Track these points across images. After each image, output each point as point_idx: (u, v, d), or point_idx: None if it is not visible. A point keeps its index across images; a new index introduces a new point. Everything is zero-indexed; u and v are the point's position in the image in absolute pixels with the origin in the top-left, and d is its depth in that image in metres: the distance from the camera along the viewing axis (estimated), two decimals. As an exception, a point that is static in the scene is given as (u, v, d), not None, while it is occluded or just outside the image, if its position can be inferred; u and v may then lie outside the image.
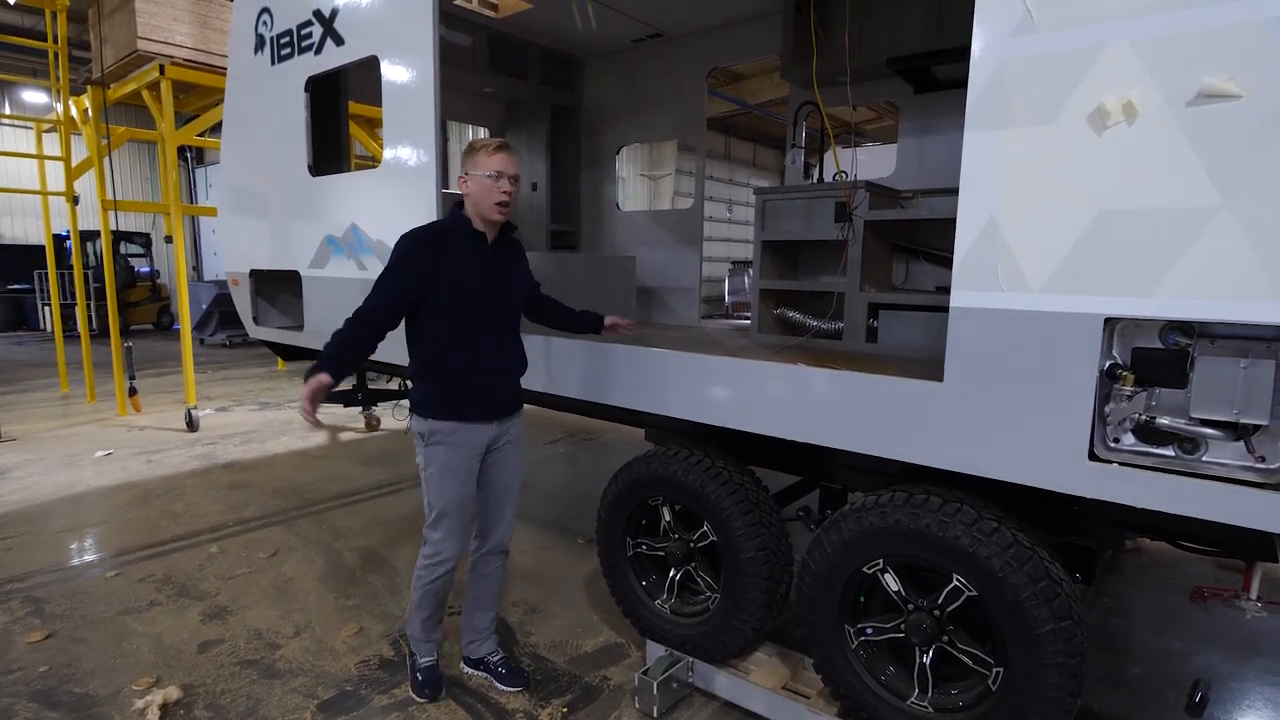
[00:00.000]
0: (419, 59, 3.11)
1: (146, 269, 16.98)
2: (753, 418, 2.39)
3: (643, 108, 4.85)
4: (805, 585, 2.33)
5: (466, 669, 2.80)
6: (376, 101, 3.45)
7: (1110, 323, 1.68)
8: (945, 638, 2.12)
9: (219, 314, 12.86)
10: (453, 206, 2.47)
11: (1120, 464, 1.70)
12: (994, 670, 2.03)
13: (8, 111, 16.87)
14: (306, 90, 3.83)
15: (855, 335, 2.92)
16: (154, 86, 6.55)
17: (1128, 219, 1.62)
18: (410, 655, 2.71)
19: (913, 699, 2.19)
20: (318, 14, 3.64)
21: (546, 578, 3.70)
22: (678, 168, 19.75)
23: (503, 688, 2.70)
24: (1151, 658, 3.00)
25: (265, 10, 4.02)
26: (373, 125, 7.81)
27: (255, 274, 4.52)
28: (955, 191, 1.86)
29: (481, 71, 4.56)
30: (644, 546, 2.86)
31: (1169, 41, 1.55)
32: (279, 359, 10.25)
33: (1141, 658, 3.00)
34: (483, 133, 5.41)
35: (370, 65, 3.39)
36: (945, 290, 1.95)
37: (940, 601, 2.09)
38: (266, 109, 4.17)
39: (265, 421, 7.29)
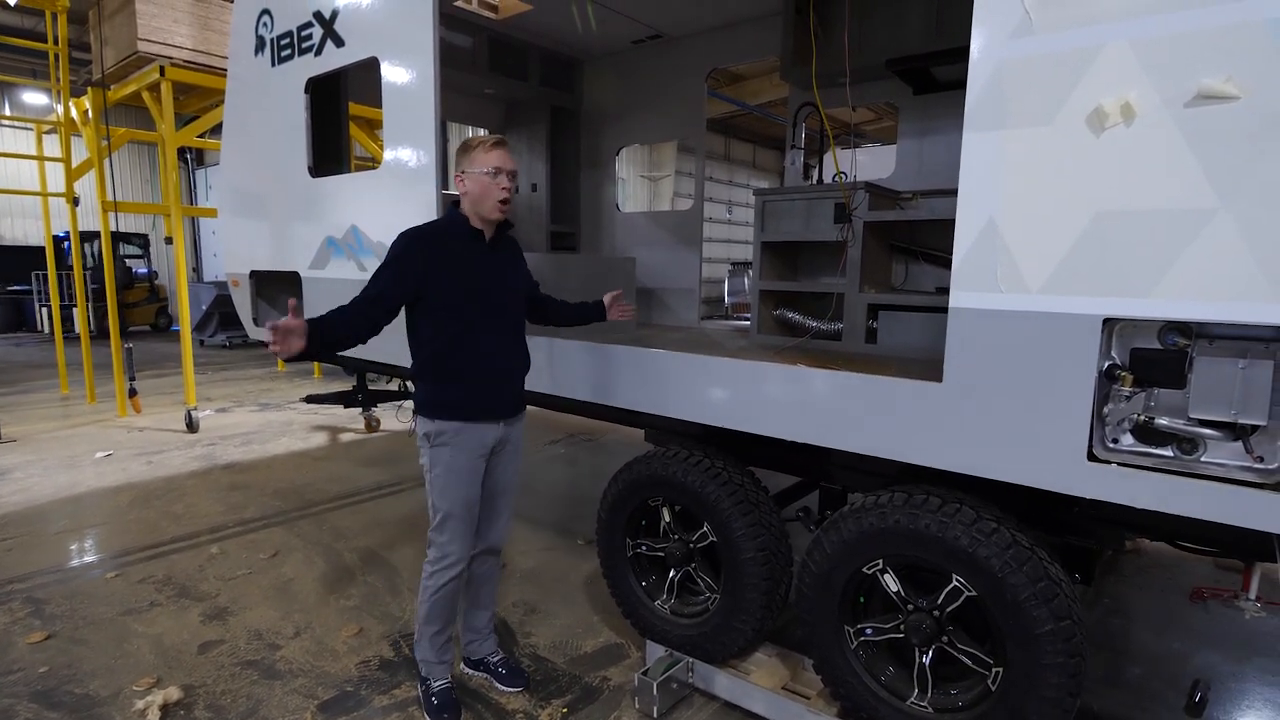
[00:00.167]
0: (419, 60, 3.11)
1: (144, 270, 16.96)
2: (752, 418, 2.39)
3: (643, 109, 4.86)
4: (805, 586, 2.34)
5: (467, 669, 2.80)
6: (376, 103, 3.46)
7: (1109, 323, 1.68)
8: (945, 638, 2.12)
9: (219, 315, 12.87)
10: (449, 206, 2.47)
11: (1119, 464, 1.70)
12: (993, 670, 2.03)
13: (8, 113, 16.89)
14: (307, 91, 3.84)
15: (855, 336, 2.92)
16: (154, 88, 6.56)
17: (1126, 220, 1.62)
18: (422, 680, 2.59)
19: (912, 699, 2.19)
20: (318, 15, 3.64)
21: (546, 578, 3.71)
22: (677, 169, 19.79)
23: (503, 688, 2.70)
24: (1151, 658, 3.00)
25: (266, 12, 4.03)
26: (372, 126, 7.82)
27: (255, 275, 4.53)
28: (954, 192, 1.87)
29: (481, 73, 4.56)
30: (644, 547, 2.86)
31: (1167, 43, 1.55)
32: (279, 360, 10.30)
33: (1141, 658, 3.00)
34: (482, 134, 5.41)
35: (370, 67, 3.40)
36: (944, 291, 1.95)
37: (940, 602, 2.09)
38: (267, 110, 4.17)
39: (265, 422, 7.29)
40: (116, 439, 6.54)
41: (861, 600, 2.30)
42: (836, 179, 3.03)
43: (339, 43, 3.56)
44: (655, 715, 2.54)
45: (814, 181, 4.65)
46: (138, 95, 6.80)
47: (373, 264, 3.50)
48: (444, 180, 3.20)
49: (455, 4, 4.01)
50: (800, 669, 2.59)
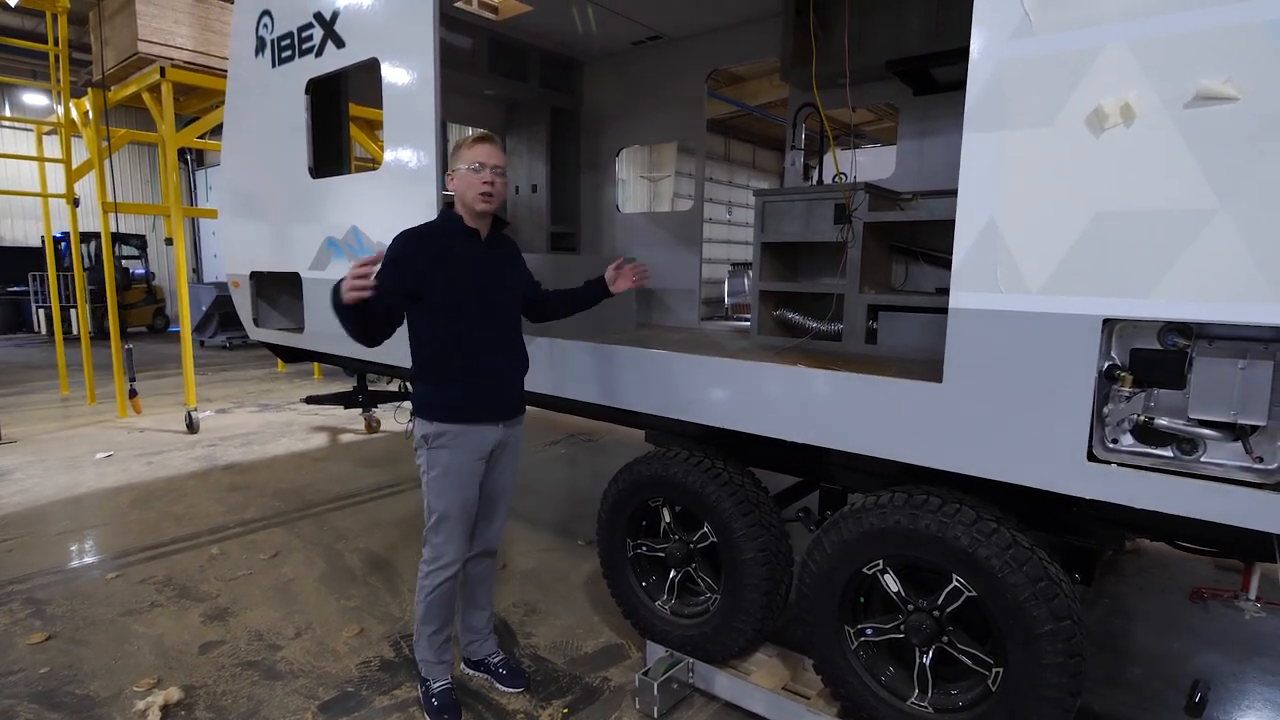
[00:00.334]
0: (419, 61, 3.12)
1: (141, 271, 16.89)
2: (753, 419, 2.39)
3: (643, 110, 4.86)
4: (805, 586, 2.34)
5: (467, 670, 2.81)
6: (377, 104, 3.46)
7: (1109, 324, 1.69)
8: (945, 638, 2.12)
9: (219, 316, 12.86)
10: (444, 207, 2.47)
11: (1119, 464, 1.71)
12: (994, 670, 2.03)
13: (8, 114, 16.90)
14: (307, 92, 3.84)
15: (855, 337, 2.92)
16: (154, 89, 6.57)
17: (1126, 220, 1.63)
18: (423, 681, 2.59)
19: (913, 699, 2.19)
20: (319, 16, 3.65)
21: (547, 578, 3.71)
22: (677, 169, 19.80)
23: (503, 688, 2.71)
24: (1151, 658, 3.00)
25: (266, 13, 4.03)
26: (372, 127, 7.83)
27: (256, 276, 4.53)
28: (954, 193, 1.87)
29: (481, 74, 4.57)
30: (644, 547, 2.87)
31: (1166, 44, 1.56)
32: (279, 361, 10.30)
33: (1141, 658, 3.00)
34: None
35: (371, 67, 3.40)
36: (944, 292, 1.96)
37: (940, 602, 2.09)
38: (267, 111, 4.18)
39: (265, 423, 7.29)
40: (117, 440, 6.54)
41: (862, 600, 2.31)
42: (836, 180, 3.03)
43: (339, 44, 3.56)
44: (656, 715, 2.54)
45: (814, 182, 4.66)
46: (138, 96, 6.81)
47: (373, 264, 3.51)
48: (444, 181, 3.20)
49: (455, 5, 4.01)
50: (800, 669, 2.59)
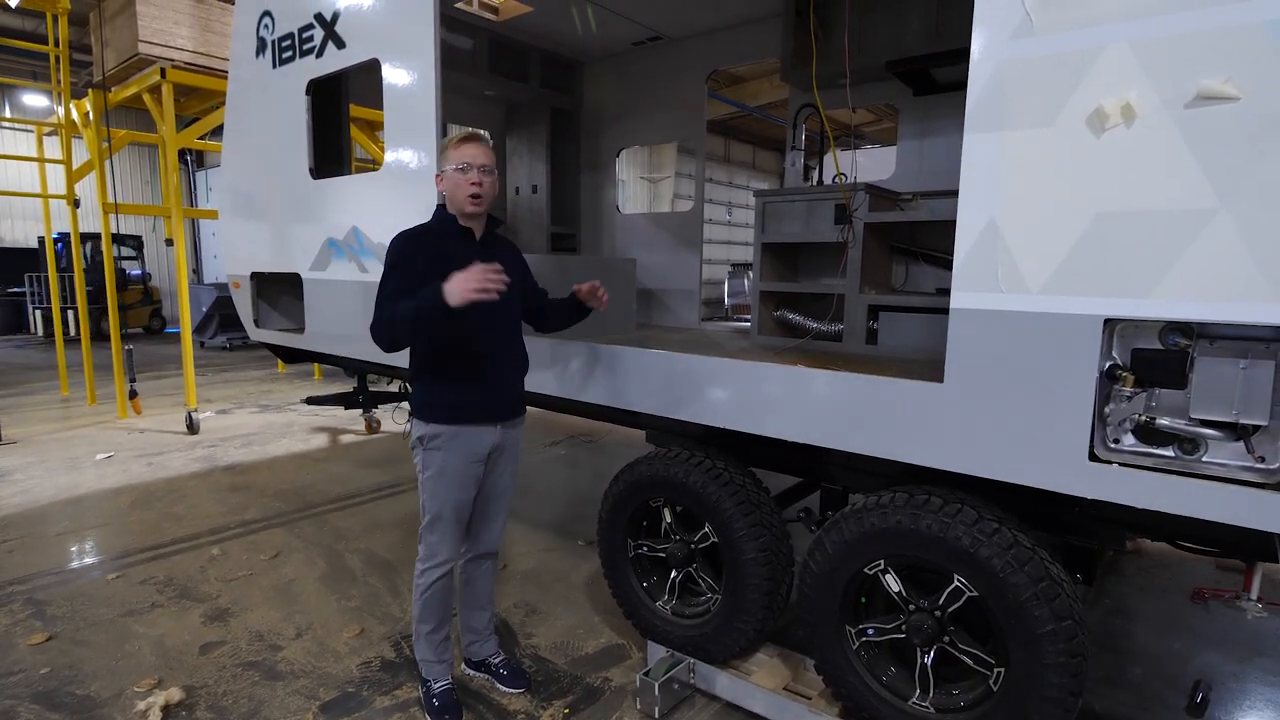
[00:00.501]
0: (420, 62, 3.12)
1: (138, 272, 16.79)
2: (754, 419, 2.39)
3: (643, 110, 4.87)
4: (806, 586, 2.34)
5: (468, 670, 2.81)
6: (377, 105, 3.47)
7: (1110, 324, 1.69)
8: (946, 638, 2.12)
9: (219, 317, 12.86)
10: (437, 208, 2.45)
11: (1120, 464, 1.71)
12: (995, 670, 2.03)
13: (8, 114, 16.91)
14: (308, 93, 3.84)
15: (855, 337, 2.92)
16: (155, 90, 6.57)
17: (1127, 220, 1.63)
18: (423, 681, 2.59)
19: (914, 699, 2.19)
20: (319, 17, 3.65)
21: (547, 579, 3.71)
22: (677, 170, 19.81)
23: (504, 689, 2.70)
24: (1152, 658, 3.00)
25: (267, 13, 4.04)
26: (372, 128, 7.83)
27: (256, 277, 4.53)
28: (954, 194, 1.87)
29: (482, 74, 4.57)
30: (645, 548, 2.87)
31: (1167, 44, 1.56)
32: (280, 362, 10.30)
33: (1142, 658, 3.00)
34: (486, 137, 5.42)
35: (371, 68, 3.40)
36: (945, 292, 1.96)
37: (941, 602, 2.09)
38: (268, 112, 4.18)
39: (266, 424, 7.29)
40: (117, 440, 6.54)
41: (863, 600, 2.31)
42: (837, 180, 3.03)
43: (340, 44, 3.56)
44: (657, 716, 2.54)
45: (814, 183, 4.66)
46: (138, 97, 6.81)
47: (373, 265, 3.51)
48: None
49: (456, 6, 4.02)
50: (802, 669, 2.59)
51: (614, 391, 2.83)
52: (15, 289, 15.85)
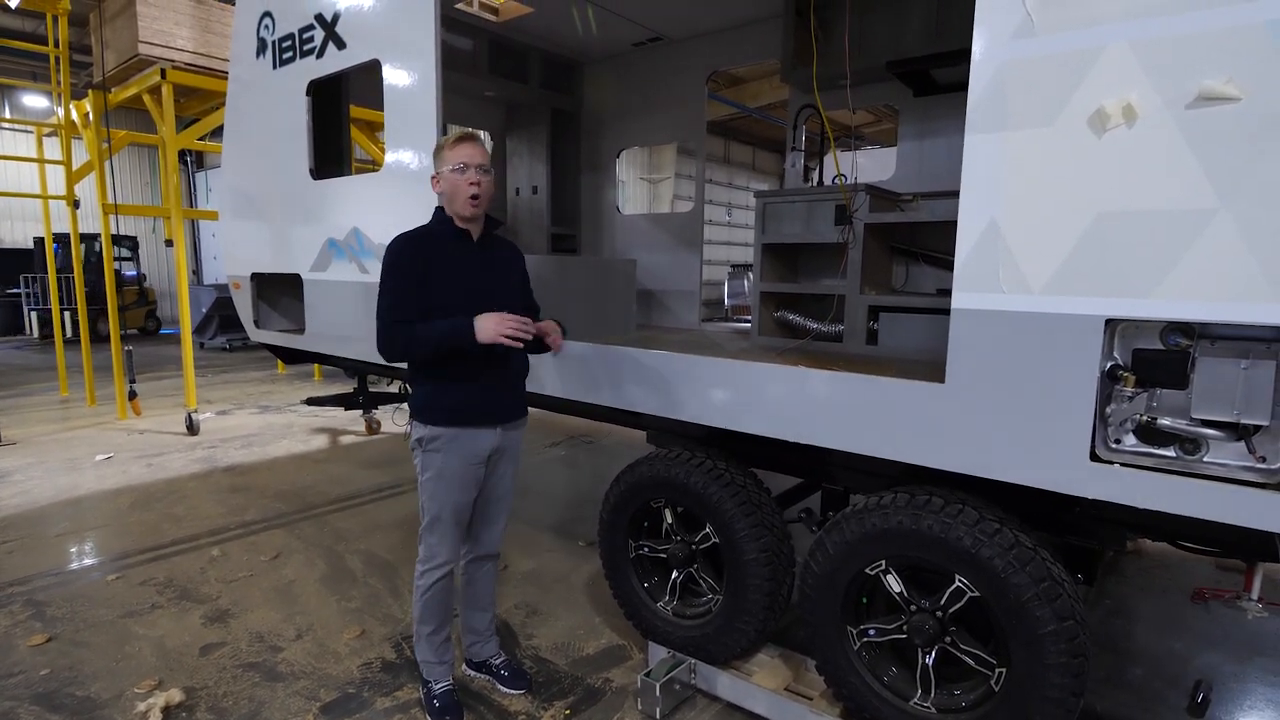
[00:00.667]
0: (421, 63, 3.12)
1: (132, 273, 16.73)
2: (754, 420, 2.39)
3: (643, 111, 4.87)
4: (807, 587, 2.34)
5: (469, 671, 2.80)
6: (377, 105, 3.47)
7: (1111, 324, 1.69)
8: (948, 638, 2.12)
9: (219, 318, 12.86)
10: (435, 209, 2.44)
11: (1121, 465, 1.71)
12: (997, 671, 2.03)
13: (8, 115, 16.91)
14: (308, 94, 3.84)
15: (855, 338, 2.92)
16: (155, 90, 6.57)
17: (1128, 221, 1.63)
18: (424, 682, 2.59)
19: (915, 700, 2.19)
20: (320, 18, 3.65)
21: (548, 580, 3.71)
22: (677, 171, 19.82)
23: (505, 690, 2.70)
24: (1153, 659, 3.00)
25: (267, 14, 4.04)
26: (373, 129, 7.83)
27: (257, 277, 4.53)
28: (955, 194, 1.87)
29: (482, 75, 4.57)
30: (646, 548, 2.87)
31: (1168, 44, 1.56)
32: (280, 362, 10.30)
33: (1143, 659, 3.00)
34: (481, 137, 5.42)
35: (372, 69, 3.41)
36: (945, 293, 1.96)
37: (943, 602, 2.09)
38: (268, 113, 4.18)
39: (266, 425, 7.28)
40: (117, 441, 6.53)
41: (864, 601, 2.30)
42: (837, 181, 3.04)
43: (340, 45, 3.56)
44: (658, 717, 2.54)
45: (814, 184, 4.66)
46: (138, 98, 6.82)
47: (374, 265, 3.51)
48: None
49: (456, 6, 4.02)
50: (803, 670, 2.59)
51: (615, 392, 2.83)
52: (14, 290, 15.81)
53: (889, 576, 2.18)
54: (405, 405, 2.54)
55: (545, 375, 3.03)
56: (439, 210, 2.43)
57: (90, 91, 7.30)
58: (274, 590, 3.56)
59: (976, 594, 2.01)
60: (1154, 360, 1.68)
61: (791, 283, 3.40)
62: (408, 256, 2.32)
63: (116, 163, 14.88)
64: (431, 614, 2.53)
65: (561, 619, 3.30)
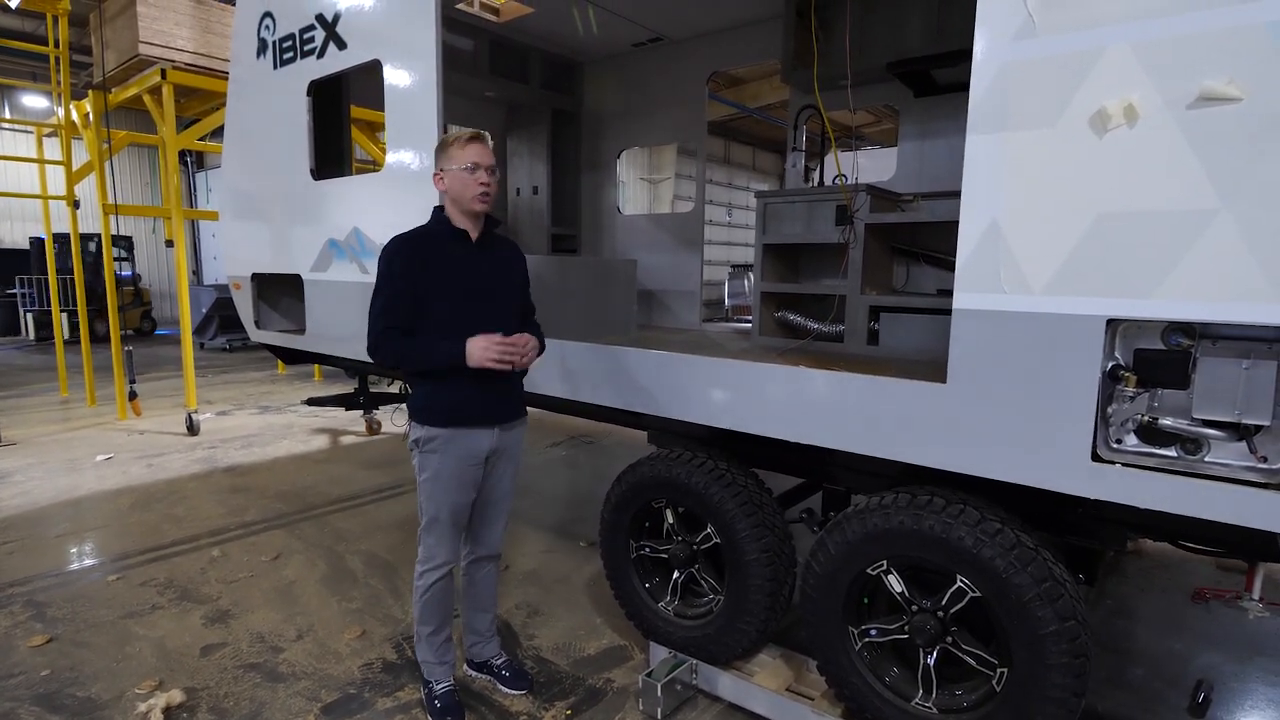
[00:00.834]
0: (421, 63, 3.12)
1: (128, 273, 16.63)
2: (756, 420, 2.39)
3: (643, 112, 4.87)
4: (809, 587, 2.34)
5: (470, 672, 2.80)
6: (378, 105, 3.47)
7: (1112, 324, 1.69)
8: (949, 639, 2.12)
9: (219, 318, 12.85)
10: (434, 209, 2.44)
11: (1123, 465, 1.71)
12: (998, 671, 2.03)
13: (8, 115, 16.90)
14: (309, 94, 3.84)
15: (856, 338, 2.93)
16: (155, 91, 6.57)
17: (1129, 221, 1.63)
18: (425, 682, 2.59)
19: (917, 700, 2.19)
20: (320, 18, 3.65)
21: (549, 580, 3.71)
22: (677, 171, 19.81)
23: (507, 690, 2.70)
24: (1154, 659, 3.00)
25: (268, 14, 4.04)
26: (373, 129, 7.83)
27: (257, 278, 4.53)
28: (955, 194, 1.88)
29: (483, 75, 4.57)
30: (647, 549, 2.87)
31: (1169, 45, 1.56)
32: (280, 363, 10.29)
33: (1144, 659, 3.00)
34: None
35: (373, 69, 3.41)
36: (946, 293, 1.96)
37: (944, 603, 2.09)
38: (269, 113, 4.18)
39: (266, 425, 7.28)
40: (117, 442, 6.53)
41: (865, 601, 2.31)
42: (837, 181, 3.04)
43: (341, 45, 3.56)
44: (659, 717, 2.54)
45: (815, 184, 4.67)
46: (139, 98, 6.81)
47: (375, 266, 3.50)
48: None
49: (457, 7, 4.02)
50: (804, 670, 2.59)
51: (615, 392, 2.83)
52: (11, 291, 15.77)
53: (890, 577, 2.18)
54: (405, 405, 2.53)
55: (546, 375, 3.03)
56: (437, 210, 2.43)
57: (90, 92, 7.30)
58: (274, 591, 3.56)
59: (978, 594, 2.01)
60: (1155, 360, 1.68)
61: (792, 283, 3.40)
62: (403, 259, 2.33)
63: (117, 163, 14.87)
64: (431, 614, 2.53)
65: (563, 619, 3.30)
